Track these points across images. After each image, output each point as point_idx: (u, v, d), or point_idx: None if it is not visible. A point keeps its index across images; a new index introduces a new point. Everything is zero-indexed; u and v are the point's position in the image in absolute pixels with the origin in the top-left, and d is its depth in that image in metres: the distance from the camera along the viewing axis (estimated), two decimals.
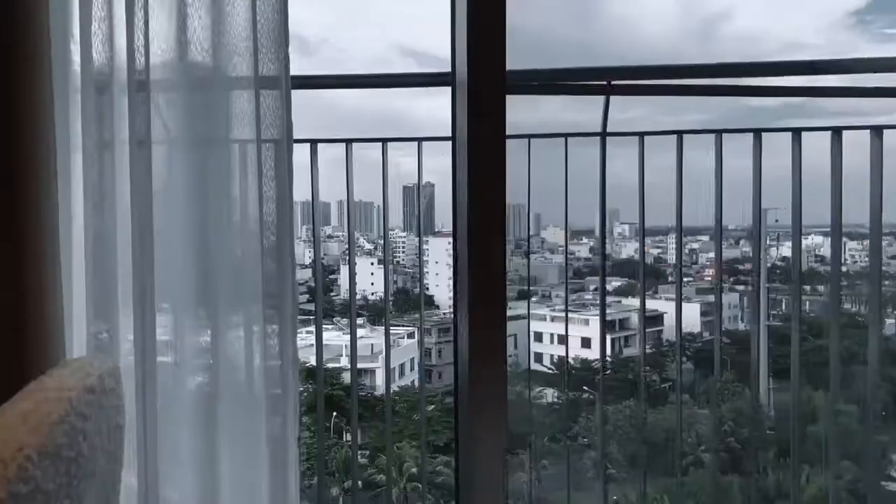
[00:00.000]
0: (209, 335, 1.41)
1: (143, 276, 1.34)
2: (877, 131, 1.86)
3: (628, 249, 4.77)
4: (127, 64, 1.25)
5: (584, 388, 4.80)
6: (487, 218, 1.66)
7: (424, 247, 6.11)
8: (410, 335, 5.72)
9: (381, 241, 4.82)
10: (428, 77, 1.89)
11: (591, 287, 5.09)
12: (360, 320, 4.04)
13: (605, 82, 1.94)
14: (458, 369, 1.83)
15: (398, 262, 5.47)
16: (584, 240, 5.14)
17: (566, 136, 2.08)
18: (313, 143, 1.78)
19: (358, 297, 4.34)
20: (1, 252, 1.00)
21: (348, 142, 1.92)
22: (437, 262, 6.75)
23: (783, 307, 6.02)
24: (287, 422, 1.42)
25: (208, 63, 1.28)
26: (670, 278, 5.95)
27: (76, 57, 1.24)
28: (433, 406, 5.69)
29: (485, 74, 1.55)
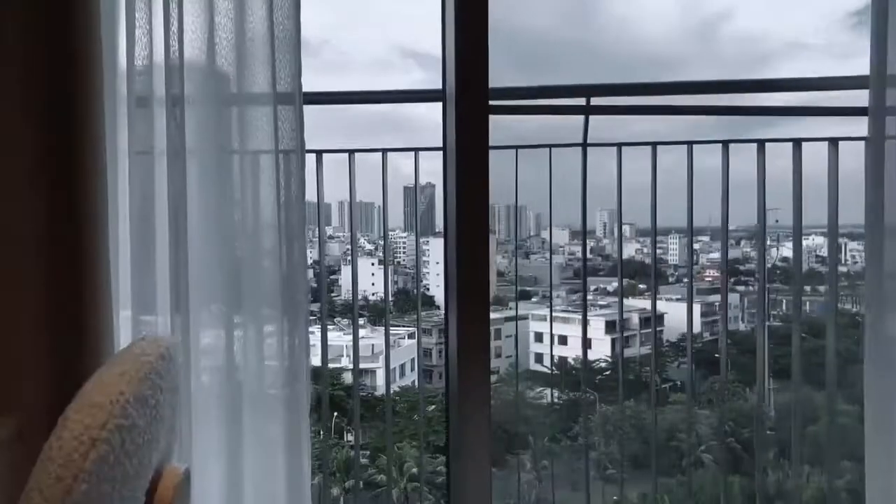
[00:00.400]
0: (232, 334, 1.56)
1: (178, 277, 1.52)
2: (833, 143, 2.04)
3: (629, 250, 4.78)
4: (165, 83, 1.44)
5: (585, 388, 4.80)
6: (472, 222, 1.88)
7: (426, 247, 6.12)
8: (411, 335, 5.72)
9: (382, 242, 4.83)
10: (423, 94, 2.12)
11: (592, 287, 5.10)
12: (360, 321, 4.05)
13: (583, 103, 2.13)
14: (448, 366, 2.03)
15: (399, 262, 5.49)
16: (579, 240, 5.16)
17: (550, 146, 2.28)
18: (319, 153, 1.95)
19: (359, 297, 4.34)
20: (64, 249, 1.14)
21: (351, 152, 2.08)
22: (437, 263, 6.75)
23: (784, 307, 6.02)
24: (301, 415, 1.59)
25: (233, 82, 1.49)
26: (671, 279, 5.95)
27: (123, 79, 1.42)
28: (433, 406, 5.70)
29: (470, 96, 1.77)
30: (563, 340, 4.58)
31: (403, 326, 5.04)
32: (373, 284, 6.22)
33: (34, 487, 0.71)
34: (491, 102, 1.76)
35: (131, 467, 0.77)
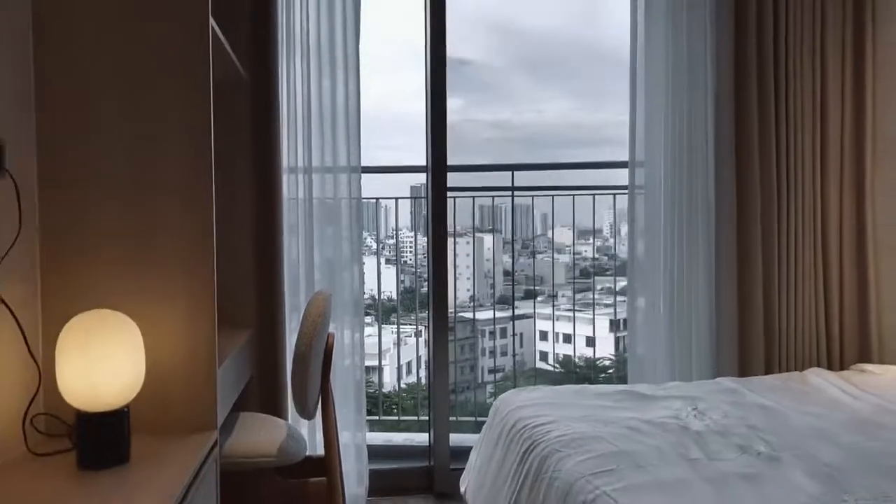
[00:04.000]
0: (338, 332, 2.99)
1: (308, 278, 3.06)
2: (614, 196, 4.03)
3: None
4: (303, 164, 3.02)
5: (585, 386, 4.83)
6: (439, 241, 3.34)
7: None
8: (418, 333, 5.77)
9: (388, 241, 4.87)
10: (415, 168, 3.51)
11: (598, 287, 5.13)
12: (368, 319, 4.09)
13: (510, 184, 3.89)
14: (430, 352, 3.41)
15: (405, 261, 5.52)
16: (590, 240, 5.18)
17: (493, 196, 4.01)
18: (358, 200, 3.23)
19: (366, 296, 4.38)
20: (266, 253, 2.97)
21: (377, 199, 3.80)
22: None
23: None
24: (360, 376, 3.14)
25: (330, 162, 3.04)
26: None
27: (284, 161, 2.97)
28: None
29: (437, 171, 3.32)
30: (568, 338, 4.61)
31: (410, 325, 5.08)
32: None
33: (301, 335, 2.05)
34: (449, 184, 3.29)
35: (323, 330, 2.14)
